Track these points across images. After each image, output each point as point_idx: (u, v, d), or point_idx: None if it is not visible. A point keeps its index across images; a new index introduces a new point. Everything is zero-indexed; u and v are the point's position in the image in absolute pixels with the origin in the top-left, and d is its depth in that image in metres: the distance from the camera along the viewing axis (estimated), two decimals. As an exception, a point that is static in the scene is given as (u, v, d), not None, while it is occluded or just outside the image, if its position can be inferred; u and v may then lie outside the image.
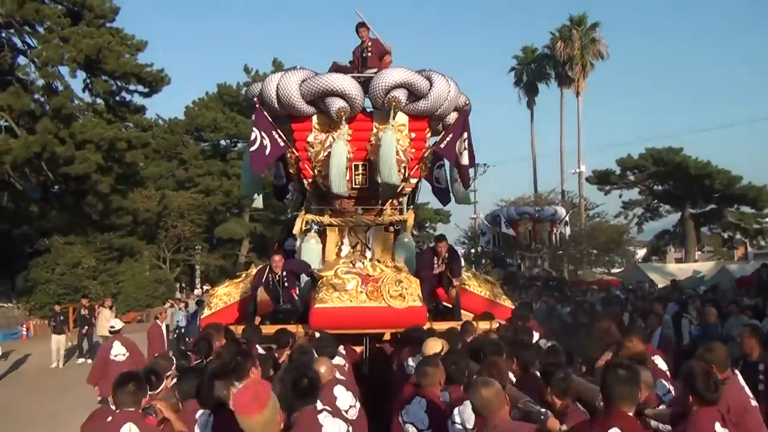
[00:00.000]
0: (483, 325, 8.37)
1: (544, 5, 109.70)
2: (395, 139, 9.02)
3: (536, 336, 7.86)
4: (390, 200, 9.94)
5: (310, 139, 9.46)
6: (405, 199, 10.23)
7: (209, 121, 42.77)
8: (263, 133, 9.10)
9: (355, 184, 9.54)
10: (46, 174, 30.00)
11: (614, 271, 40.82)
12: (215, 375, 4.60)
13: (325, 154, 9.35)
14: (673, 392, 5.42)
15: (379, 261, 9.19)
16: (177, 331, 19.88)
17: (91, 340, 19.83)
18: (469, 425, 4.40)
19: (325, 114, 9.29)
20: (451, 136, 9.43)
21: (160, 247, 38.08)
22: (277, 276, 8.84)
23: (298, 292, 9.05)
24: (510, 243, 34.12)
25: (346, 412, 5.01)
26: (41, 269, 29.10)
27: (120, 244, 33.40)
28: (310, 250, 9.41)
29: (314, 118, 9.45)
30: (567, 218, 33.68)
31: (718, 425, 4.14)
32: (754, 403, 5.19)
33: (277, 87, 9.20)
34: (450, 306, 9.49)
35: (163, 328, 15.27)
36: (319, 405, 4.15)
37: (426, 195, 12.17)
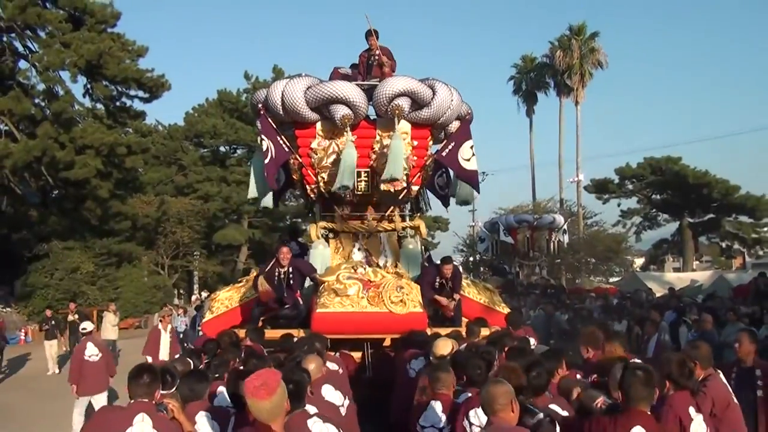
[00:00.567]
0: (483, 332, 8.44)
1: (544, 15, 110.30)
2: (403, 144, 9.13)
3: (533, 342, 7.93)
4: (392, 207, 10.03)
5: (314, 145, 9.55)
6: (407, 206, 10.34)
7: (209, 128, 42.82)
8: (269, 141, 9.21)
9: (358, 191, 9.61)
10: (45, 179, 30.06)
11: (612, 280, 40.92)
12: (240, 376, 4.72)
13: (329, 160, 9.46)
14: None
15: (379, 267, 9.29)
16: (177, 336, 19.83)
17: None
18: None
19: (329, 121, 9.39)
20: (453, 144, 9.55)
21: (158, 253, 38.03)
22: (283, 271, 8.87)
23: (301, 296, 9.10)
24: (508, 251, 34.19)
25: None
26: (40, 274, 29.11)
27: (119, 250, 33.36)
28: (318, 256, 9.51)
29: (318, 125, 9.54)
30: (565, 226, 33.81)
31: (692, 409, 4.35)
32: (735, 400, 5.41)
33: (282, 93, 9.29)
34: (450, 315, 9.55)
35: (166, 333, 15.07)
36: (311, 409, 4.24)
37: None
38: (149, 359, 13.28)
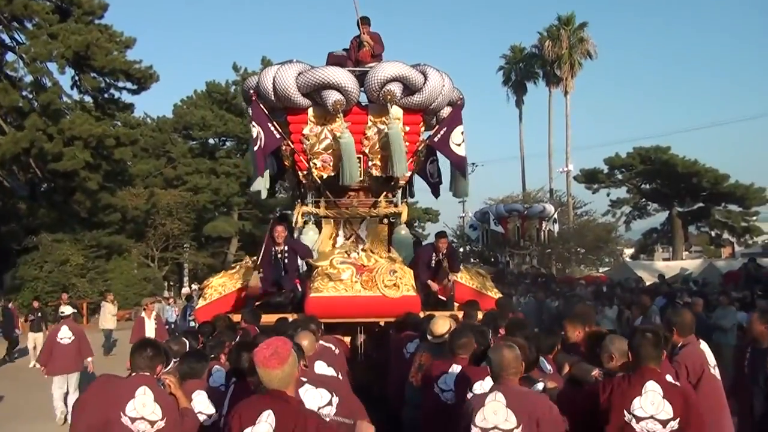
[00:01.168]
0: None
1: (533, 5, 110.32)
2: (401, 133, 9.13)
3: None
4: (384, 193, 10.05)
5: (306, 131, 9.56)
6: (399, 192, 10.35)
7: (198, 119, 42.65)
8: (260, 128, 9.21)
9: (350, 177, 9.59)
10: (34, 171, 29.97)
11: (602, 269, 41.09)
12: (242, 348, 4.77)
13: (321, 146, 9.47)
14: None
15: (372, 252, 9.30)
16: (168, 326, 19.82)
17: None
18: None
19: (321, 107, 9.40)
20: (444, 129, 9.59)
21: (148, 245, 37.91)
22: (279, 249, 8.91)
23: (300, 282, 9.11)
24: (499, 240, 34.27)
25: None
26: (29, 267, 28.93)
27: (108, 242, 33.22)
28: (309, 242, 9.51)
29: (310, 111, 9.55)
30: (556, 215, 33.87)
31: (669, 377, 4.45)
32: (714, 371, 5.36)
33: (274, 80, 9.31)
34: (444, 299, 9.58)
35: (150, 320, 15.17)
36: (302, 379, 4.25)
37: (416, 193, 12.27)
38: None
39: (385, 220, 10.15)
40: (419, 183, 11.61)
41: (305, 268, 9.26)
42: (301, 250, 9.10)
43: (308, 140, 9.55)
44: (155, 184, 40.09)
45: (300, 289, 9.00)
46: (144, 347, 4.53)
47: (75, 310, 13.71)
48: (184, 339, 5.89)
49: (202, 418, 4.67)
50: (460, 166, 9.99)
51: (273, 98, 9.42)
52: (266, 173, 9.83)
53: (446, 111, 10.14)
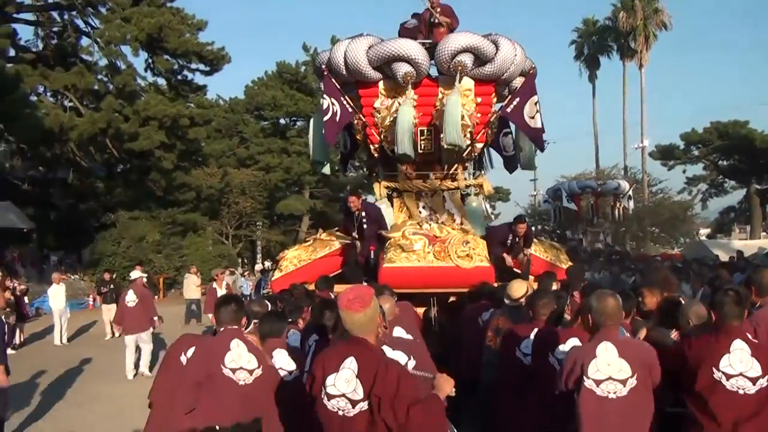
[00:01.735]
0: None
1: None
2: (461, 103, 9.05)
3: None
4: (456, 165, 9.99)
5: (377, 104, 9.57)
6: (471, 165, 10.30)
7: (269, 99, 43.11)
8: (333, 100, 9.25)
9: (421, 150, 9.55)
10: (110, 152, 30.86)
11: (677, 249, 40.02)
12: (325, 304, 4.95)
13: (392, 119, 9.46)
14: None
15: (445, 223, 9.31)
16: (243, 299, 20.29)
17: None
18: None
19: (392, 79, 9.38)
20: (517, 99, 9.41)
21: (222, 223, 38.69)
22: (356, 215, 9.20)
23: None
24: (572, 217, 33.64)
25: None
26: (107, 243, 29.95)
27: (183, 220, 34.11)
28: (386, 216, 9.57)
29: (381, 84, 9.55)
30: (630, 192, 33.01)
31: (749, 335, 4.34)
32: None
33: (345, 53, 9.32)
34: (519, 272, 9.54)
35: (221, 290, 15.88)
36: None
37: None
38: (211, 316, 14.54)
39: (458, 193, 10.11)
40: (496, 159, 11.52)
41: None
42: (374, 213, 9.28)
43: (379, 113, 9.56)
44: (228, 164, 40.83)
45: (373, 256, 9.10)
46: (228, 302, 4.74)
47: (144, 275, 14.59)
48: (266, 301, 6.05)
49: (282, 374, 4.80)
50: (535, 138, 9.85)
51: (344, 72, 9.44)
52: (335, 150, 9.97)
53: (518, 81, 9.98)
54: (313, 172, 40.16)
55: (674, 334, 4.69)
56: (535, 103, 9.46)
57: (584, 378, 4.13)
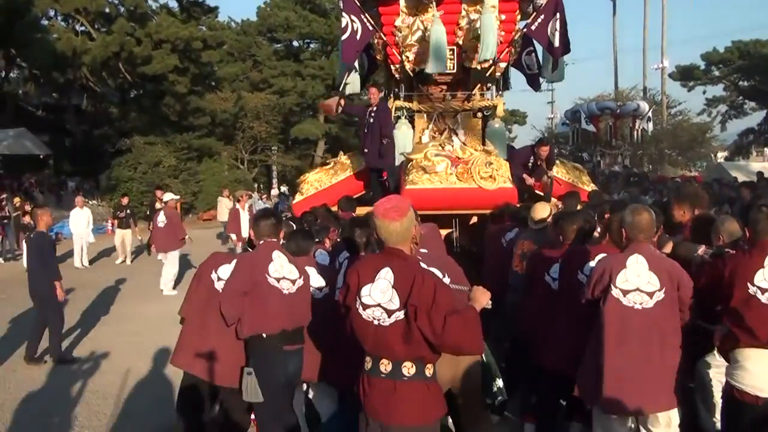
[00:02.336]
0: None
1: None
2: (496, 21, 8.81)
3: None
4: (479, 85, 9.81)
5: (398, 23, 9.29)
6: (493, 86, 10.10)
7: (281, 21, 42.31)
8: (353, 17, 9.00)
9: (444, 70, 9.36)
10: (123, 76, 30.64)
11: (695, 172, 39.67)
12: (357, 222, 5.04)
13: (414, 38, 9.23)
14: None
15: (466, 144, 9.21)
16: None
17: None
18: None
19: (413, -4, 9.11)
20: (542, 17, 9.11)
21: (237, 148, 38.53)
22: (372, 110, 9.22)
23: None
24: (590, 139, 33.28)
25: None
26: (124, 168, 29.91)
27: (199, 145, 33.98)
28: (402, 137, 9.44)
29: (402, 2, 9.25)
30: (650, 113, 32.49)
31: None
32: None
33: (365, -31, 9.06)
34: (541, 194, 9.48)
35: (245, 211, 16.27)
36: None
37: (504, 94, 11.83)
38: (233, 237, 15.90)
39: (479, 114, 9.95)
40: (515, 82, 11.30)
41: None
42: (384, 111, 9.29)
43: (400, 32, 9.30)
44: (242, 88, 40.37)
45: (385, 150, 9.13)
46: (266, 216, 4.86)
47: (176, 197, 15.43)
48: (291, 222, 6.05)
49: (311, 291, 4.85)
50: (557, 55, 9.61)
51: (364, -11, 9.20)
52: (355, 73, 9.79)
53: (543, -1, 9.68)
54: (328, 95, 39.75)
55: (701, 250, 4.67)
56: (557, 20, 9.17)
57: (611, 287, 4.19)
